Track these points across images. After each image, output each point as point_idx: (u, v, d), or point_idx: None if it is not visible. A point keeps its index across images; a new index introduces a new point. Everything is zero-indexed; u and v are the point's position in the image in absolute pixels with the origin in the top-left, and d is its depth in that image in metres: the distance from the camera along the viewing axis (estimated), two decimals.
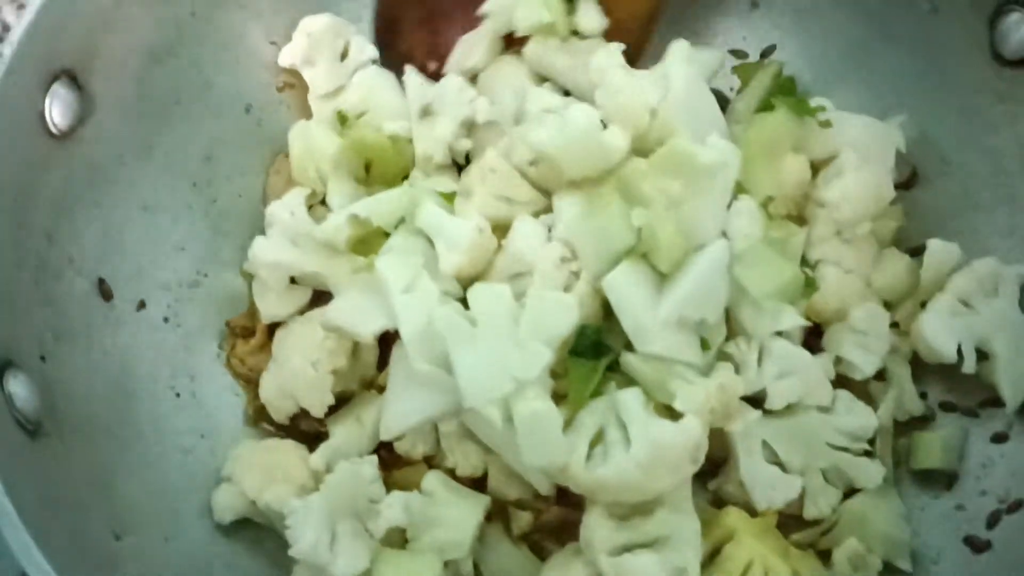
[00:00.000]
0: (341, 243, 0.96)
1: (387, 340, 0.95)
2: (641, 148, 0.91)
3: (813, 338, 0.99)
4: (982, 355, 0.95)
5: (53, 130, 0.92)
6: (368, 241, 0.96)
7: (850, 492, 0.94)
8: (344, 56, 1.09)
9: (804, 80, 1.10)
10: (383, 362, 1.00)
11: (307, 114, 1.10)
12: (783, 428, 0.92)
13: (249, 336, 1.05)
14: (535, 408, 0.83)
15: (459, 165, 1.05)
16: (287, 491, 0.93)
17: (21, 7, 1.21)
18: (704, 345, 0.89)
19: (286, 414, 1.00)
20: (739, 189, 0.92)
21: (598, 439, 0.85)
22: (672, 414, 0.85)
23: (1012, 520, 0.91)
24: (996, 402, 0.95)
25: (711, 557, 0.89)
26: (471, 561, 0.92)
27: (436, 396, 0.89)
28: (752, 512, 0.91)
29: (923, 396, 1.00)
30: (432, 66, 1.08)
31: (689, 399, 0.85)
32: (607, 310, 0.89)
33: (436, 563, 0.89)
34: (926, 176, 1.06)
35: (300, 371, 0.97)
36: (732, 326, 0.92)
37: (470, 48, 1.06)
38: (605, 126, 0.90)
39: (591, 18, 1.03)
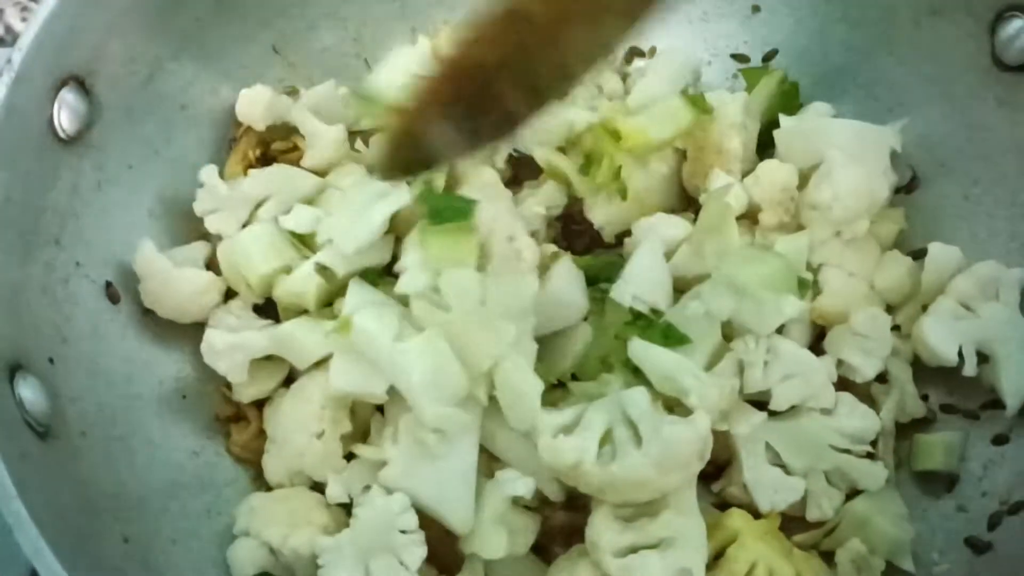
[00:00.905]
0: (311, 299, 0.97)
1: None
2: None
3: (816, 342, 1.00)
4: (983, 358, 0.95)
5: (61, 135, 0.92)
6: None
7: (852, 494, 0.94)
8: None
9: (804, 85, 1.11)
10: None
11: None
12: (786, 430, 0.93)
13: (241, 420, 1.02)
14: (513, 378, 0.88)
15: None
16: (312, 533, 0.90)
17: (25, 10, 1.22)
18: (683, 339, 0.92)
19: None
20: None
21: (606, 439, 0.86)
22: (675, 412, 0.86)
23: (1013, 522, 0.91)
24: (996, 404, 0.95)
25: (715, 559, 0.89)
26: None
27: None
28: (755, 514, 0.91)
29: (924, 398, 1.00)
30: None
31: (703, 396, 0.86)
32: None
33: None
34: (927, 180, 1.06)
35: (306, 447, 0.94)
36: (736, 327, 0.93)
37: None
38: None
39: None
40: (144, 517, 0.91)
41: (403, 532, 0.88)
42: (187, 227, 1.04)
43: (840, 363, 0.97)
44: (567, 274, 0.97)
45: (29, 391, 0.84)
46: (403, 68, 1.04)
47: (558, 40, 0.70)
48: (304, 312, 0.99)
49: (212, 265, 1.03)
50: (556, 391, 0.92)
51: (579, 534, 0.90)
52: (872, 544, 0.92)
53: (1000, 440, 0.96)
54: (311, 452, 0.95)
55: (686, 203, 1.08)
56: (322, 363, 0.97)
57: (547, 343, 0.95)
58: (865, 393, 0.98)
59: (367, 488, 0.92)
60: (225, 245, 1.01)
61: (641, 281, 0.95)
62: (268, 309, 1.03)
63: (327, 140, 1.06)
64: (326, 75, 1.11)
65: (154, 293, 0.99)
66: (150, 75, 1.01)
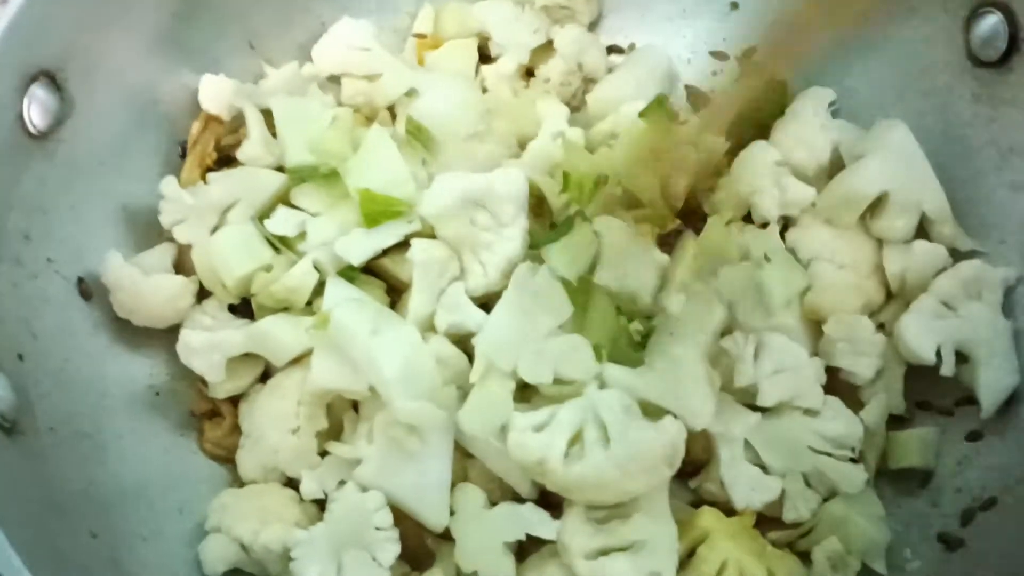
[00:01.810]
0: (307, 291, 0.97)
1: None
2: None
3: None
4: (962, 358, 0.95)
5: (32, 131, 0.92)
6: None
7: (830, 495, 0.94)
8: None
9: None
10: None
11: None
12: (767, 429, 0.93)
13: (215, 416, 1.02)
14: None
15: None
16: (284, 529, 0.91)
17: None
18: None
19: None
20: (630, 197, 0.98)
21: (576, 439, 0.86)
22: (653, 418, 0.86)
23: (986, 517, 0.91)
24: (971, 401, 0.95)
25: (688, 557, 0.90)
26: None
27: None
28: (731, 512, 0.92)
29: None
30: None
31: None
32: None
33: None
34: None
35: (281, 443, 0.95)
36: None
37: None
38: None
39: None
40: (113, 514, 0.90)
41: (378, 529, 0.88)
42: (160, 225, 1.03)
43: (839, 369, 0.97)
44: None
45: None
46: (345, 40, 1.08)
47: None
48: (281, 310, 0.99)
49: (180, 265, 1.03)
50: (530, 389, 0.92)
51: None
52: (848, 544, 0.93)
53: (974, 436, 0.96)
54: (286, 448, 0.95)
55: None
56: (299, 360, 0.97)
57: None
58: (855, 398, 0.98)
59: (341, 484, 0.92)
60: (200, 247, 1.01)
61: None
62: (240, 308, 1.03)
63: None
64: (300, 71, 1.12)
65: (126, 304, 0.99)
66: (122, 70, 1.01)
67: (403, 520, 0.90)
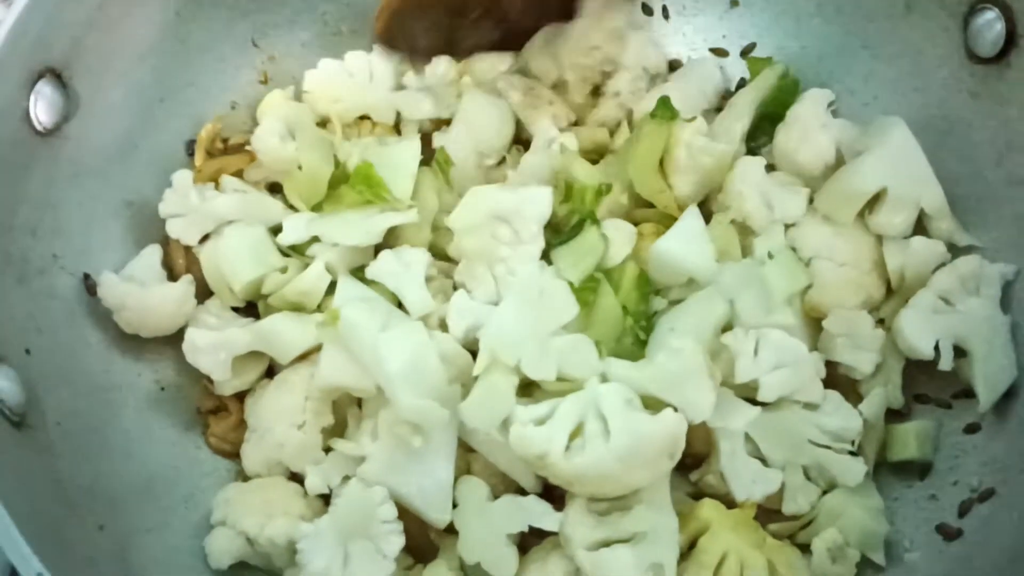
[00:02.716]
0: (319, 293, 0.98)
1: None
2: None
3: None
4: (960, 352, 0.96)
5: (38, 128, 0.93)
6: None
7: (830, 488, 0.95)
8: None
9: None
10: None
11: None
12: (767, 422, 0.93)
13: (221, 411, 1.03)
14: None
15: None
16: (289, 522, 0.91)
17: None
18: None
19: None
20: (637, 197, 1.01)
21: (578, 432, 0.86)
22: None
23: (983, 508, 0.92)
24: (968, 394, 0.96)
25: (689, 549, 0.90)
26: None
27: None
28: (732, 504, 0.92)
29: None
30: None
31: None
32: None
33: None
34: None
35: (286, 437, 0.95)
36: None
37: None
38: None
39: None
40: (119, 507, 0.91)
41: (383, 522, 0.89)
42: (163, 221, 1.04)
43: (838, 364, 0.98)
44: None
45: (4, 381, 0.85)
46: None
47: None
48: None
49: (167, 262, 1.04)
50: (532, 384, 0.92)
51: None
52: (847, 536, 0.93)
53: (972, 429, 0.97)
54: (291, 443, 0.95)
55: None
56: (305, 356, 0.98)
57: None
58: (854, 391, 0.99)
59: (346, 479, 0.93)
60: (209, 249, 1.02)
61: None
62: (242, 307, 1.04)
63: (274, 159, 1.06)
64: (304, 69, 1.12)
65: (132, 321, 0.99)
66: (127, 68, 1.01)
67: (406, 514, 0.91)
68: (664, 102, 1.01)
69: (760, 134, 1.09)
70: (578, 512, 0.88)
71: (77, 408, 0.93)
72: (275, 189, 1.08)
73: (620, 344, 0.94)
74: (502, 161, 1.10)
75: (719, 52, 1.18)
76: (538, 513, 0.89)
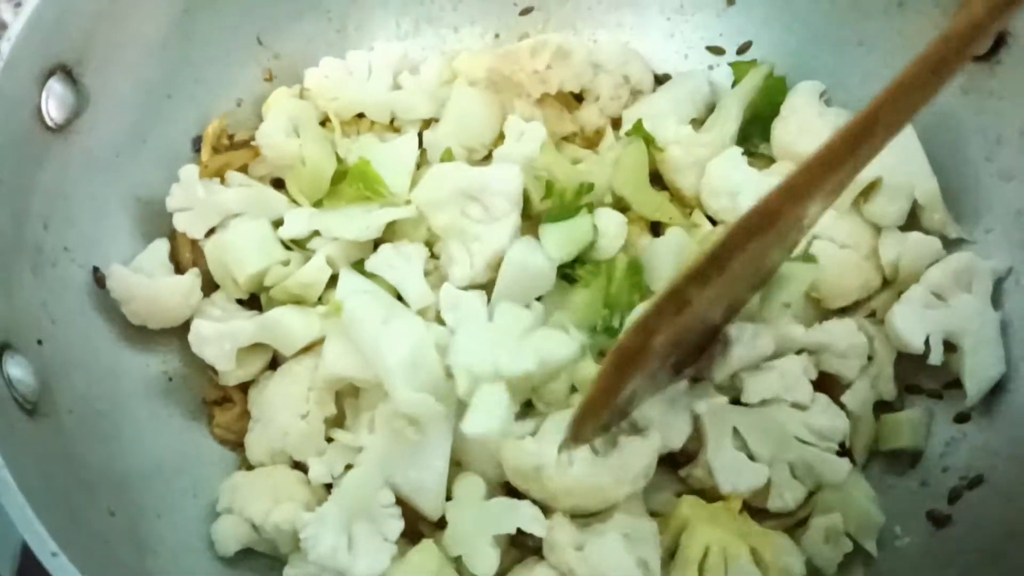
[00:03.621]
0: (320, 286, 0.99)
1: None
2: None
3: None
4: (950, 347, 0.97)
5: (49, 123, 0.94)
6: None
7: (816, 488, 0.95)
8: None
9: (777, 75, 1.12)
10: None
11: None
12: (755, 417, 0.94)
13: (225, 402, 1.04)
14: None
15: None
16: (294, 509, 0.92)
17: (18, 5, 1.23)
18: None
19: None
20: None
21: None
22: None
23: (972, 496, 0.94)
24: (959, 384, 0.97)
25: (677, 549, 0.91)
26: None
27: None
28: (719, 498, 0.92)
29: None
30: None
31: None
32: None
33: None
34: None
35: (290, 426, 0.96)
36: None
37: None
38: None
39: None
40: (129, 492, 0.92)
41: (384, 507, 0.90)
42: (170, 215, 1.05)
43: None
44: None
45: (17, 370, 0.86)
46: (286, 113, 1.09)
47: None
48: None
49: (174, 256, 1.05)
50: (527, 406, 0.94)
51: None
52: (847, 521, 0.94)
53: (962, 418, 0.98)
54: (295, 432, 0.96)
55: None
56: (309, 348, 0.99)
57: None
58: (843, 389, 0.99)
59: (348, 468, 0.94)
60: (214, 242, 1.04)
61: None
62: (246, 299, 1.05)
63: (279, 154, 1.07)
64: (309, 66, 1.13)
65: (140, 312, 1.01)
66: (136, 64, 1.02)
67: (399, 503, 0.92)
68: (638, 126, 1.04)
69: (752, 135, 1.10)
70: (561, 521, 0.89)
71: (87, 397, 0.94)
72: (279, 184, 1.09)
73: (594, 335, 0.94)
74: (488, 156, 1.11)
75: (715, 50, 1.19)
76: (528, 517, 0.89)
